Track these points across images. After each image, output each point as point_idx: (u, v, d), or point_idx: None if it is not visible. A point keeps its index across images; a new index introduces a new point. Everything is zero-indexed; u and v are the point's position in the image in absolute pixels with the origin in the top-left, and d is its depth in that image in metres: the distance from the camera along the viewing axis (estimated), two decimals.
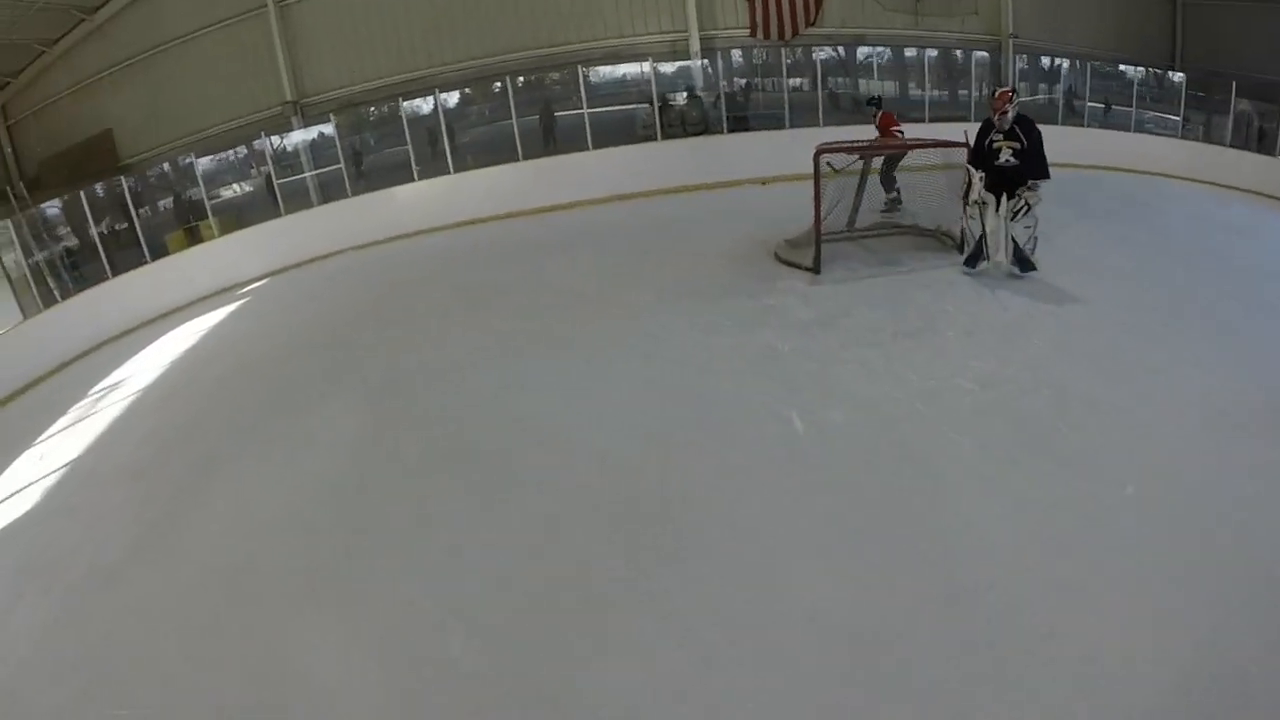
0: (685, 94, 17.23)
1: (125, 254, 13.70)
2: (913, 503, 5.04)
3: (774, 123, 16.81)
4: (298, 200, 15.72)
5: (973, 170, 8.73)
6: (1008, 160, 8.47)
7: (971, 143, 8.90)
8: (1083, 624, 3.96)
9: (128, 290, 13.17)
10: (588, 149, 16.01)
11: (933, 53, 17.40)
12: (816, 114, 16.69)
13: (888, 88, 17.64)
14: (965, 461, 5.44)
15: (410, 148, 15.67)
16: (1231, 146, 15.89)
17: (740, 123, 17.02)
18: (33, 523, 6.66)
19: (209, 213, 14.97)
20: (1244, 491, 4.87)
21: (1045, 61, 18.22)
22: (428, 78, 17.06)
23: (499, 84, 16.69)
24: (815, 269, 9.42)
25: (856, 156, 10.42)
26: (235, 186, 16.78)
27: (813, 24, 17.34)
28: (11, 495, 7.26)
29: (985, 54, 17.72)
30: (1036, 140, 8.40)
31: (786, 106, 16.73)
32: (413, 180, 15.80)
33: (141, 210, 14.56)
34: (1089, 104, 17.68)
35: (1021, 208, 8.44)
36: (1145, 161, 16.13)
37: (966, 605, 4.14)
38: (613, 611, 4.44)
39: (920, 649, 3.90)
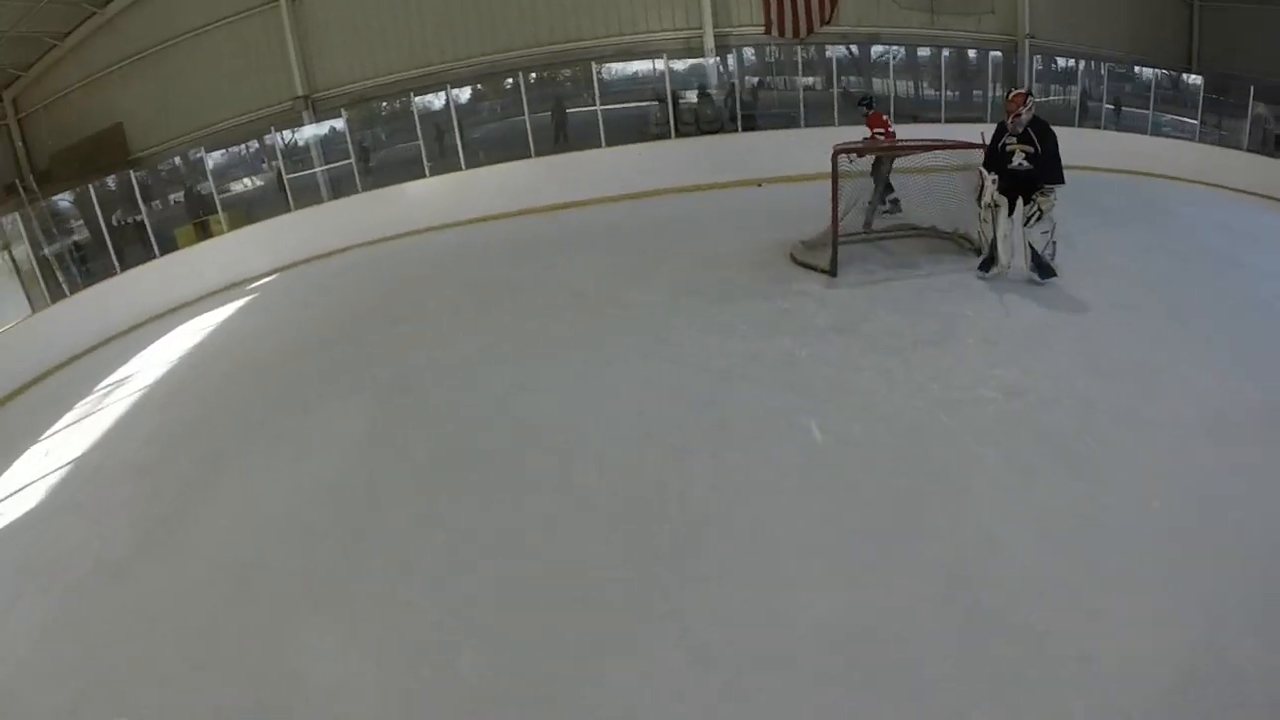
0: (699, 92, 17.11)
1: (134, 248, 13.67)
2: (934, 518, 4.88)
3: (788, 121, 16.67)
4: (308, 195, 15.71)
5: (985, 173, 8.57)
6: (1020, 164, 8.27)
7: (987, 144, 8.73)
8: (1082, 624, 3.90)
9: (136, 285, 13.13)
10: (600, 146, 15.95)
11: (947, 52, 17.25)
12: (831, 113, 16.55)
13: (901, 87, 17.52)
14: (989, 475, 5.27)
15: (421, 143, 15.60)
16: (1248, 150, 15.68)
17: (754, 121, 16.88)
18: (38, 519, 6.59)
19: (218, 207, 14.93)
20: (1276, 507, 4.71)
21: (1060, 62, 18.04)
22: (440, 73, 16.99)
23: (511, 80, 16.62)
24: (832, 271, 9.26)
25: (874, 157, 10.32)
26: (246, 181, 16.74)
27: (828, 22, 17.21)
28: (17, 491, 7.18)
29: (999, 54, 17.54)
30: (1051, 144, 8.18)
31: (801, 105, 16.59)
32: (424, 176, 15.74)
33: (153, 203, 14.56)
34: (1107, 106, 17.50)
35: (1034, 213, 8.24)
36: (1161, 165, 15.92)
37: (979, 617, 4.03)
38: (613, 612, 4.39)
39: (923, 653, 3.84)
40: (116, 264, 13.11)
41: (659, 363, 7.52)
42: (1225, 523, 4.58)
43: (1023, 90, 8.55)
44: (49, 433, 8.56)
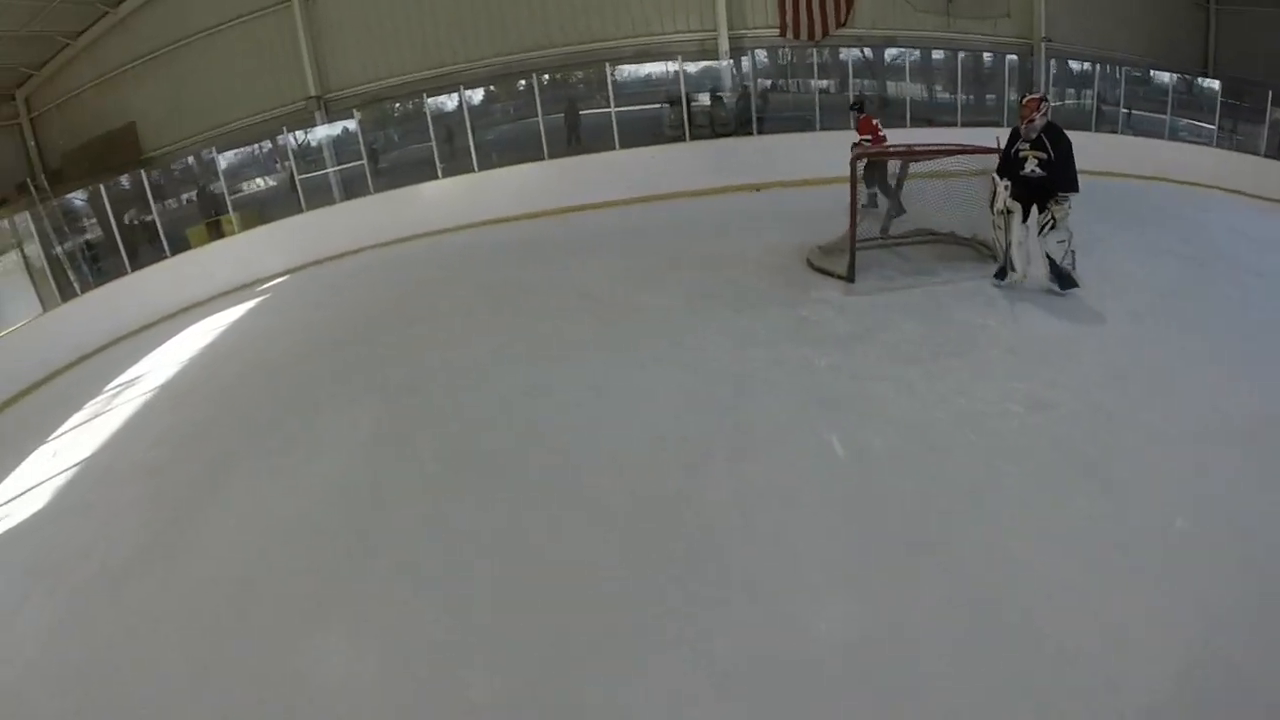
0: (717, 94, 17.03)
1: (145, 248, 13.64)
2: (957, 536, 4.73)
3: (803, 125, 16.57)
4: (320, 196, 15.67)
5: (997, 179, 8.40)
6: (1033, 171, 8.09)
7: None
8: (1109, 646, 3.78)
9: (147, 285, 13.09)
10: (614, 148, 15.89)
11: (962, 55, 17.14)
12: (846, 116, 16.36)
13: (916, 91, 17.39)
14: (1013, 492, 5.11)
15: (434, 144, 15.55)
16: (1266, 156, 15.52)
17: (769, 124, 16.77)
18: (46, 520, 6.53)
19: (230, 207, 14.88)
20: None
21: (1075, 65, 17.91)
22: (453, 74, 16.95)
23: (523, 81, 16.56)
24: (850, 278, 9.13)
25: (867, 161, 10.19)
26: (258, 181, 16.73)
27: (843, 24, 17.14)
28: (25, 492, 7.11)
29: (1015, 57, 17.41)
30: (1064, 151, 7.97)
31: (817, 108, 16.47)
32: (436, 178, 15.68)
33: (167, 202, 14.56)
34: (1123, 111, 17.36)
35: (1048, 222, 8.05)
36: (1179, 170, 15.76)
37: (1001, 637, 3.93)
38: (619, 616, 4.35)
39: (938, 668, 3.76)
40: (127, 263, 13.07)
41: (674, 368, 7.40)
42: (1256, 544, 4.44)
43: (1037, 95, 8.34)
44: (58, 433, 8.50)
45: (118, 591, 5.26)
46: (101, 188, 13.21)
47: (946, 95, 17.41)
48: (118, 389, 9.61)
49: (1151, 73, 17.90)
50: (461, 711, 3.84)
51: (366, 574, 5.00)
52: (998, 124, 14.82)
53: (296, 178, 15.37)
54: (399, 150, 17.24)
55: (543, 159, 15.81)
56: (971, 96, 17.69)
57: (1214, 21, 19.04)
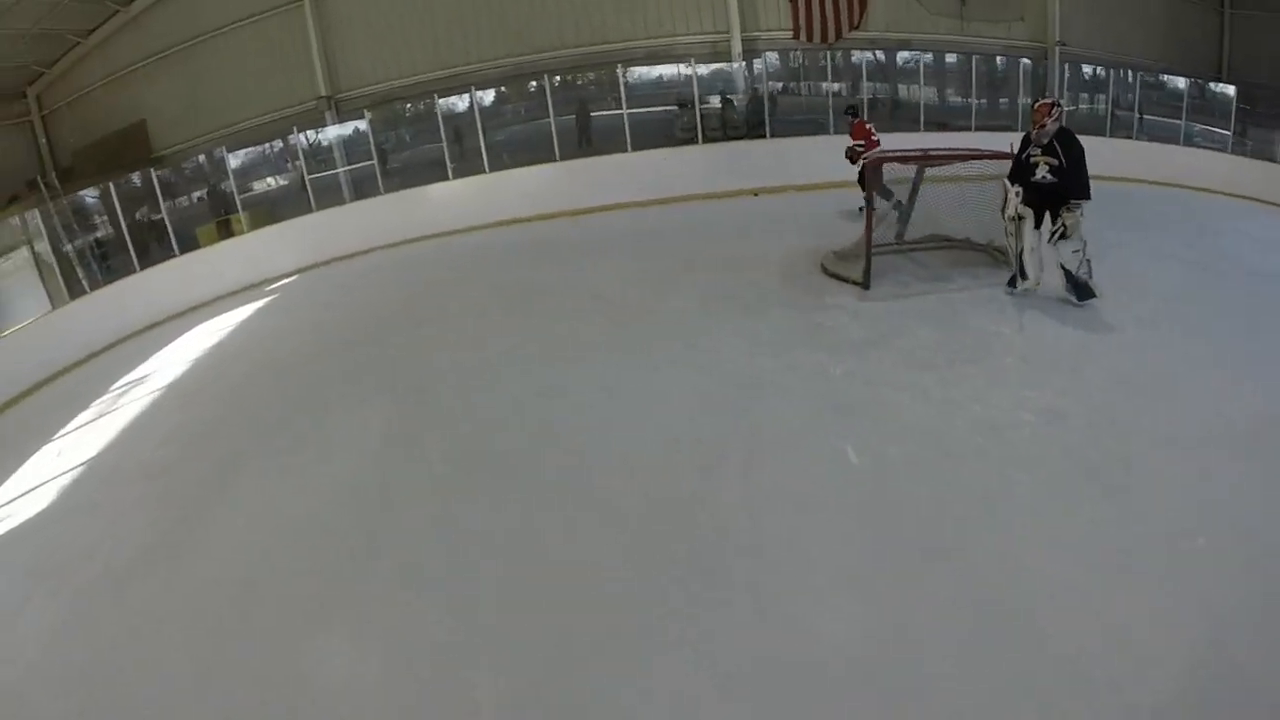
0: (727, 96, 16.94)
1: (155, 246, 13.60)
2: (971, 547, 4.62)
3: (815, 128, 16.47)
4: (330, 196, 15.64)
5: (1008, 184, 8.25)
6: (1044, 177, 7.93)
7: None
8: (1121, 657, 3.70)
9: (156, 283, 13.08)
10: (626, 150, 15.82)
11: (976, 59, 17.01)
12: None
13: (929, 94, 17.28)
14: (1027, 503, 4.99)
15: (445, 145, 15.50)
16: None
17: (781, 127, 16.67)
18: (51, 520, 6.48)
19: (239, 207, 14.85)
20: None
21: (1088, 70, 17.78)
22: (464, 75, 16.93)
23: (535, 82, 16.51)
24: (865, 284, 9.02)
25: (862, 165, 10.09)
26: (269, 180, 16.71)
27: (857, 27, 17.05)
28: (29, 491, 7.06)
29: (1029, 61, 17.29)
30: (1076, 157, 7.78)
31: (830, 112, 16.36)
32: (447, 179, 15.63)
33: (178, 200, 14.55)
34: (1137, 115, 17.21)
35: (1058, 230, 7.87)
36: (1193, 176, 15.56)
37: (1012, 646, 3.85)
38: (625, 619, 4.30)
39: (946, 678, 3.69)
40: (136, 262, 13.05)
41: (687, 371, 7.31)
42: (1259, 545, 4.39)
43: (1049, 100, 8.15)
44: (63, 432, 8.45)
45: (121, 592, 5.22)
46: (111, 186, 13.18)
47: (959, 99, 17.28)
48: (125, 387, 9.57)
49: (1165, 77, 17.73)
50: (465, 712, 3.81)
51: (372, 575, 4.97)
52: (1011, 128, 14.68)
53: (307, 177, 15.37)
54: (410, 150, 17.20)
55: (554, 160, 15.74)
56: (985, 101, 17.56)
57: (1228, 25, 18.88)
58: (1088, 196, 7.80)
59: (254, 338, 10.79)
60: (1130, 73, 17.25)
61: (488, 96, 16.89)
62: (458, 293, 10.95)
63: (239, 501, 6.14)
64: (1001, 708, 3.49)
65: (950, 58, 17.47)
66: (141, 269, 13.12)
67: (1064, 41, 17.30)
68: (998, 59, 17.67)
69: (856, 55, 17.20)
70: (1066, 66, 17.45)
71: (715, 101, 16.90)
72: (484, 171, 15.69)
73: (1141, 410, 5.97)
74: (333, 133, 16.85)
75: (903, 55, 17.43)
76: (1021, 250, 8.26)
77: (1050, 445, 5.61)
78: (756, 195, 15.15)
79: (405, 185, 15.76)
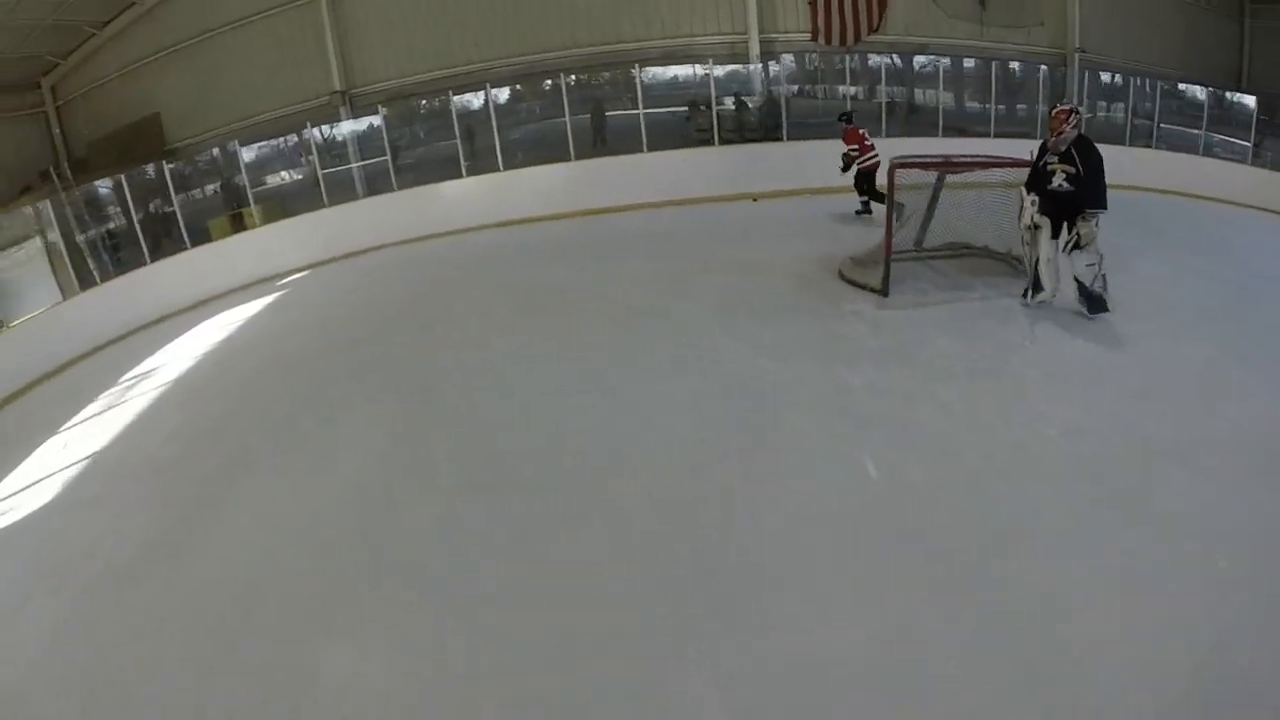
0: (744, 98, 16.85)
1: (166, 239, 13.57)
2: (993, 567, 4.48)
3: (832, 131, 16.30)
4: (343, 191, 15.61)
5: (1025, 192, 8.10)
6: (1060, 185, 7.77)
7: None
8: (1144, 684, 3.59)
9: (167, 275, 13.05)
10: (641, 151, 15.75)
11: (995, 64, 16.88)
12: (879, 123, 16.18)
13: (947, 99, 17.15)
14: (1050, 521, 4.84)
15: (459, 142, 15.45)
16: None
17: (798, 130, 16.54)
18: (54, 515, 6.42)
19: (252, 200, 14.81)
20: None
21: (1106, 77, 17.63)
22: (478, 72, 16.93)
23: (550, 81, 16.44)
24: (883, 291, 8.88)
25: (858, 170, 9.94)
26: (282, 175, 16.68)
27: (875, 30, 16.96)
28: (32, 484, 7.00)
29: (1047, 67, 17.15)
30: (1094, 165, 7.61)
31: None
32: (461, 176, 15.58)
33: (191, 193, 14.57)
34: (1155, 124, 17.07)
35: (1073, 240, 7.70)
36: (1213, 187, 15.40)
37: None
38: (625, 619, 4.27)
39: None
40: (147, 254, 13.03)
41: (698, 378, 7.17)
42: (1261, 547, 4.35)
43: (1066, 107, 7.96)
44: (69, 425, 8.40)
45: (122, 590, 5.16)
46: (124, 178, 13.15)
47: (977, 104, 17.14)
48: (133, 381, 9.52)
49: (1183, 86, 17.58)
50: (467, 712, 3.79)
51: (375, 574, 4.93)
52: (1030, 135, 14.56)
53: (319, 172, 15.32)
54: (423, 147, 17.14)
55: (569, 160, 15.68)
56: (1003, 106, 17.42)
57: (1248, 34, 18.74)
58: (1104, 207, 7.64)
59: (263, 333, 10.74)
60: (1149, 81, 17.09)
61: (503, 94, 16.86)
62: (466, 292, 10.87)
63: (243, 499, 6.08)
64: (1005, 710, 3.47)
65: (969, 62, 17.34)
66: (153, 261, 13.10)
67: (1083, 48, 17.16)
68: (1016, 65, 17.53)
69: (874, 59, 17.11)
70: (1085, 73, 17.28)
71: (729, 103, 16.84)
72: (498, 170, 15.63)
73: (1156, 420, 5.92)
74: (347, 128, 16.83)
75: (920, 59, 17.30)
76: (1037, 260, 8.11)
77: (1063, 454, 5.57)
78: (755, 201, 15.05)
79: (418, 182, 15.73)
